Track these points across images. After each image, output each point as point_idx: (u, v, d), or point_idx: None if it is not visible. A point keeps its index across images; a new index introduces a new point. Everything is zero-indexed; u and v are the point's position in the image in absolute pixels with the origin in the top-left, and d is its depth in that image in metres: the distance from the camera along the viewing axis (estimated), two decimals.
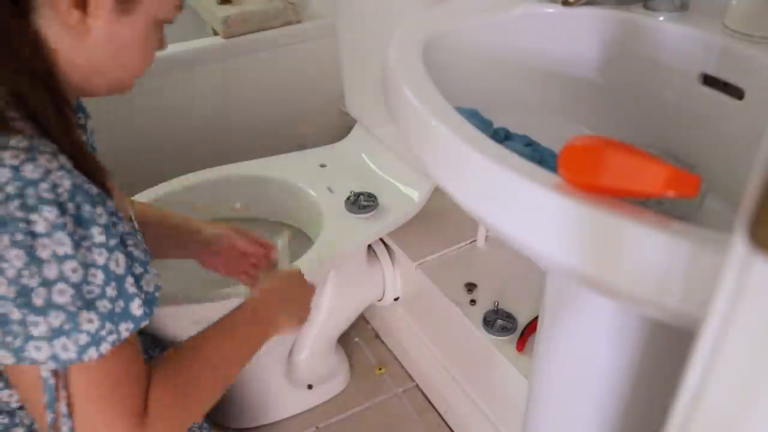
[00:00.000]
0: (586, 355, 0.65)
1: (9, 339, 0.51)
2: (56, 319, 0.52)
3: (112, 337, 0.55)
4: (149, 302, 0.58)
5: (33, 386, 0.55)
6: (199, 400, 0.66)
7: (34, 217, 0.50)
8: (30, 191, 0.50)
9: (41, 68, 0.55)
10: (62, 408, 0.55)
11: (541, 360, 0.72)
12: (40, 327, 0.51)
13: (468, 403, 1.17)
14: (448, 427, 1.24)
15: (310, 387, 1.27)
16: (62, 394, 0.55)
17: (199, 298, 0.97)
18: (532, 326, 1.02)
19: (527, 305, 1.07)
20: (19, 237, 0.50)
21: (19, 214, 0.50)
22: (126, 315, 0.56)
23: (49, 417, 0.55)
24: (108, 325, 0.54)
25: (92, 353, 0.54)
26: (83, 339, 0.53)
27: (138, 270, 0.58)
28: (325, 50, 1.50)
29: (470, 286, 1.14)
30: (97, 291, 0.53)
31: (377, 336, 1.44)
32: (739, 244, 0.22)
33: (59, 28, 0.55)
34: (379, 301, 1.33)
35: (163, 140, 1.44)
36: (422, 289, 1.21)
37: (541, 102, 0.73)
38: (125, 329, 0.56)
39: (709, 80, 0.63)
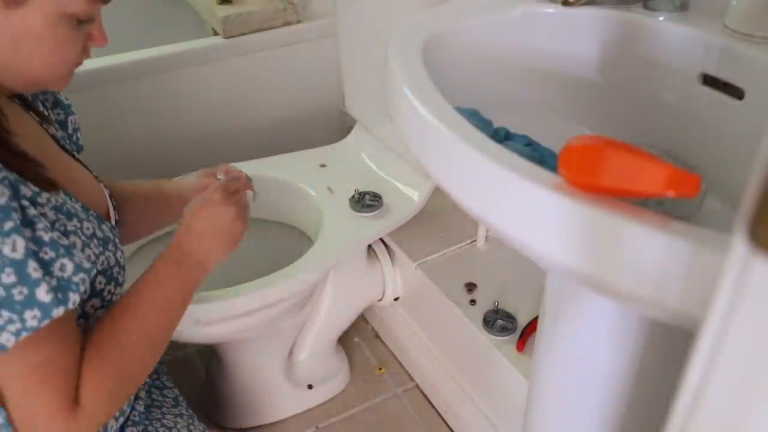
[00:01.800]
0: (586, 355, 0.65)
1: None
2: None
3: (14, 327, 0.52)
4: (63, 288, 0.55)
5: None
6: (134, 375, 0.64)
7: None
8: None
9: None
10: None
11: (541, 360, 0.72)
12: None
13: (468, 403, 1.17)
14: (448, 427, 1.24)
15: (310, 387, 1.27)
16: None
17: (199, 299, 0.97)
18: (532, 326, 1.02)
19: (527, 305, 1.07)
20: None
21: None
22: (31, 302, 0.52)
23: None
24: (6, 314, 0.51)
25: None
26: None
27: (48, 254, 0.54)
28: (325, 50, 1.50)
29: (470, 286, 1.14)
30: None
31: (377, 336, 1.44)
32: (739, 244, 0.22)
33: None
34: (379, 301, 1.33)
35: (163, 140, 1.44)
36: (422, 289, 1.21)
37: (541, 102, 0.73)
38: (32, 317, 0.52)
39: (709, 80, 0.63)
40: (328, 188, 1.24)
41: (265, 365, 1.20)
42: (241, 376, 1.20)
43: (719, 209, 0.60)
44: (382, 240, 1.29)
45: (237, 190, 0.76)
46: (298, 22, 1.47)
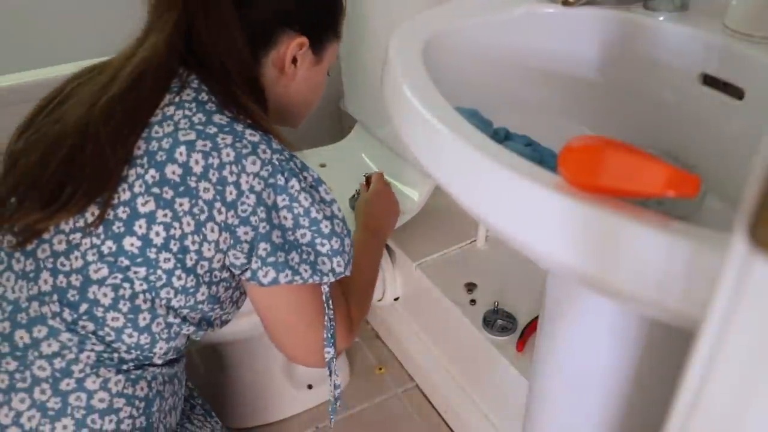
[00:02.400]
0: (586, 355, 0.65)
1: (305, 256, 0.69)
2: (335, 243, 0.71)
3: (350, 259, 0.74)
4: None
5: (294, 305, 0.73)
6: (368, 301, 0.90)
7: (305, 174, 0.70)
8: (294, 157, 0.70)
9: (261, 100, 0.75)
10: (330, 315, 0.75)
11: (541, 360, 0.72)
12: (324, 247, 0.70)
13: (468, 403, 1.17)
14: (448, 427, 1.24)
15: (310, 387, 1.27)
16: (329, 304, 0.75)
17: None
18: (532, 326, 1.02)
19: (527, 305, 1.07)
20: (303, 184, 0.69)
21: (297, 170, 0.69)
22: (351, 243, 0.75)
23: (327, 324, 0.75)
24: (351, 251, 0.74)
25: (349, 270, 0.73)
26: (346, 258, 0.72)
27: None
28: None
29: (470, 286, 1.14)
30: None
31: (377, 336, 1.44)
32: (739, 244, 0.22)
33: (275, 76, 0.77)
34: (379, 301, 1.33)
35: None
36: (422, 289, 1.21)
37: (541, 102, 0.73)
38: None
39: (709, 80, 0.63)
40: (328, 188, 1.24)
41: (266, 365, 1.20)
42: (242, 375, 1.20)
43: (719, 209, 0.60)
44: None
45: (386, 181, 1.10)
46: None
